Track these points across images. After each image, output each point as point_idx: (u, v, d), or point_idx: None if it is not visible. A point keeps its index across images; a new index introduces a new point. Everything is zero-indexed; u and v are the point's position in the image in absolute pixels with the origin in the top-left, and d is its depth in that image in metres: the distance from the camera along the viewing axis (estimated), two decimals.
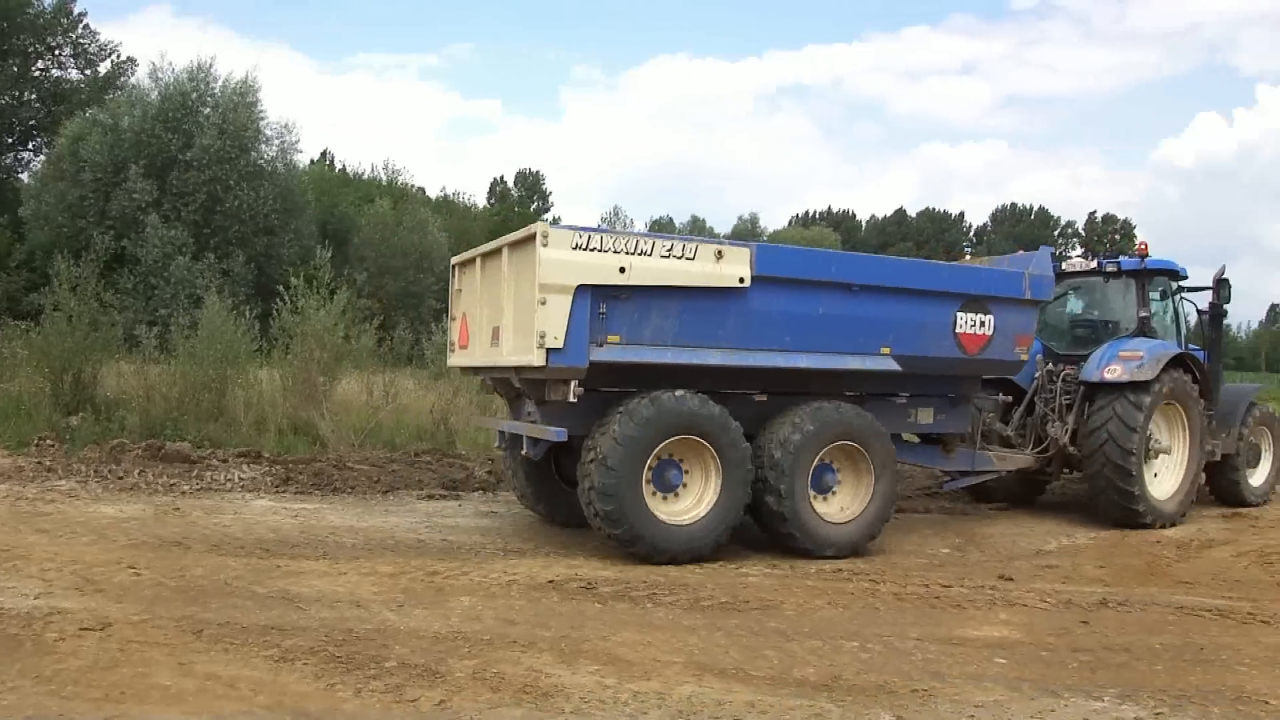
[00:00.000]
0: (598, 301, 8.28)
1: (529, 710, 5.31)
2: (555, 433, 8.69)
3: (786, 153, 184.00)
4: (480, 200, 71.68)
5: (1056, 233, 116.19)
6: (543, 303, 8.06)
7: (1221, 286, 13.18)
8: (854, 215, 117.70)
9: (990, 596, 8.28)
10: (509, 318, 8.85)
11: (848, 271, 9.49)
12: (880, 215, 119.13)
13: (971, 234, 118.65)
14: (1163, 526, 11.74)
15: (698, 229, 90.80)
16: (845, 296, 9.33)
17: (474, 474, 13.57)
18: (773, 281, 8.95)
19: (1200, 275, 13.70)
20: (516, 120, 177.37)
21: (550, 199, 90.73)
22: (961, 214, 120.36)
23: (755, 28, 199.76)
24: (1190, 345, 13.26)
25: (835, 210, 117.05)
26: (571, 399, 8.47)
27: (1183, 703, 5.95)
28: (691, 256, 8.61)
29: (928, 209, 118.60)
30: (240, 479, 12.63)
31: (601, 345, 8.34)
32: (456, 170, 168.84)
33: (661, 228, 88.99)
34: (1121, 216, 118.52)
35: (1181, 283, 13.48)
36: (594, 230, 8.39)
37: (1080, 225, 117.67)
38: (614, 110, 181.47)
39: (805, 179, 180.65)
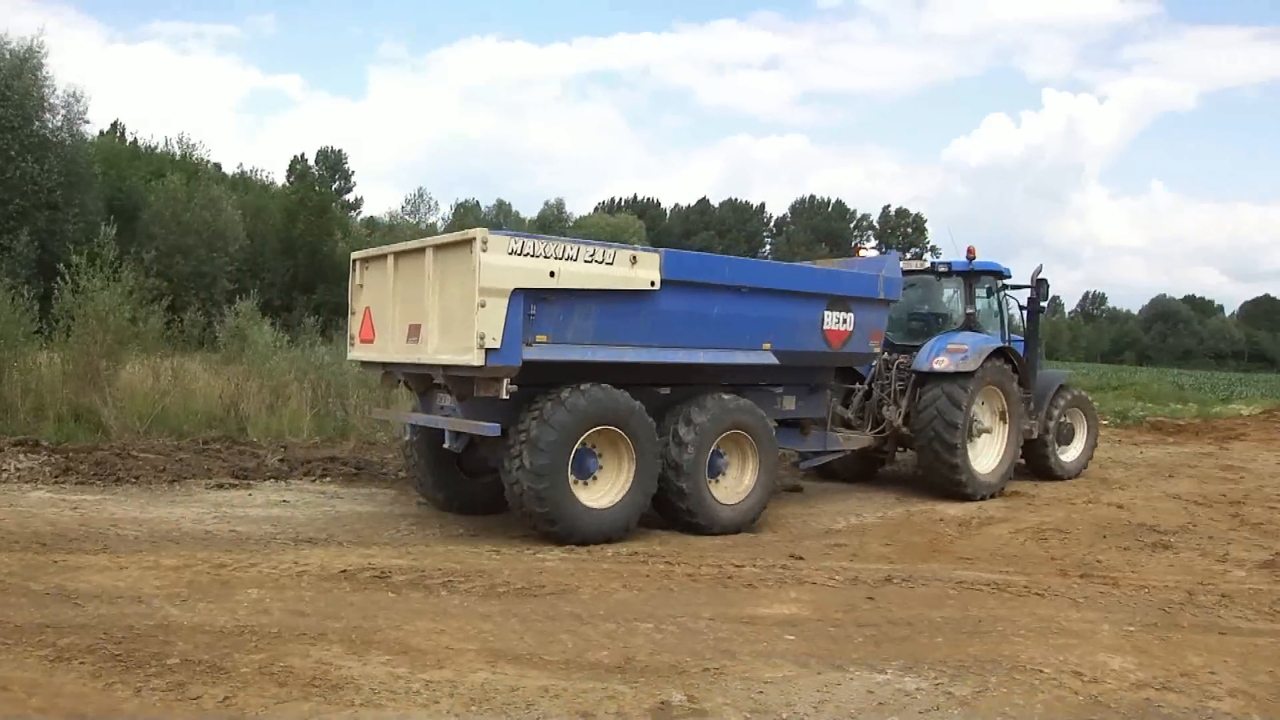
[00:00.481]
0: (529, 304, 8.72)
1: (317, 704, 5.20)
2: (488, 428, 9.01)
3: (594, 139, 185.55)
4: (279, 178, 69.55)
5: (853, 225, 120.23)
6: (483, 305, 8.43)
7: (1039, 285, 14.75)
8: (659, 204, 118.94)
9: (781, 575, 8.47)
10: (435, 317, 9.13)
11: (738, 275, 10.40)
12: (684, 204, 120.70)
13: (772, 224, 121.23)
14: (983, 498, 13.00)
15: (503, 213, 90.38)
16: (736, 298, 10.20)
17: (266, 462, 13.22)
18: (678, 285, 9.66)
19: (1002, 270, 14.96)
20: (319, 96, 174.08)
21: (353, 179, 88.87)
22: (763, 205, 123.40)
23: (565, 13, 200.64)
24: (1013, 336, 14.72)
25: (641, 198, 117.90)
26: (504, 396, 8.82)
27: (962, 673, 6.21)
28: (610, 261, 9.23)
29: (730, 199, 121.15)
30: (16, 469, 11.98)
31: (531, 345, 8.77)
32: (255, 147, 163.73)
33: (467, 211, 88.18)
34: (914, 211, 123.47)
35: (1005, 281, 14.90)
36: (527, 236, 8.89)
37: (875, 218, 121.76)
38: (420, 90, 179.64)
39: (612, 166, 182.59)
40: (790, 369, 11.03)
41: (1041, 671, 6.33)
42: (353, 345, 10.90)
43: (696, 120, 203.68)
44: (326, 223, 47.69)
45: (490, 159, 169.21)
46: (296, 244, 45.42)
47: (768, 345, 10.54)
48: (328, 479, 12.62)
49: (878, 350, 12.09)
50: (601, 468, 9.59)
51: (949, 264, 14.38)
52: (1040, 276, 14.77)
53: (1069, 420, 15.61)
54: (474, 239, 8.53)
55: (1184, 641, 7.20)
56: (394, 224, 59.16)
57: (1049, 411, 14.95)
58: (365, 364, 11.24)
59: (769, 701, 5.55)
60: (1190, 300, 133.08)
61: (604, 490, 9.56)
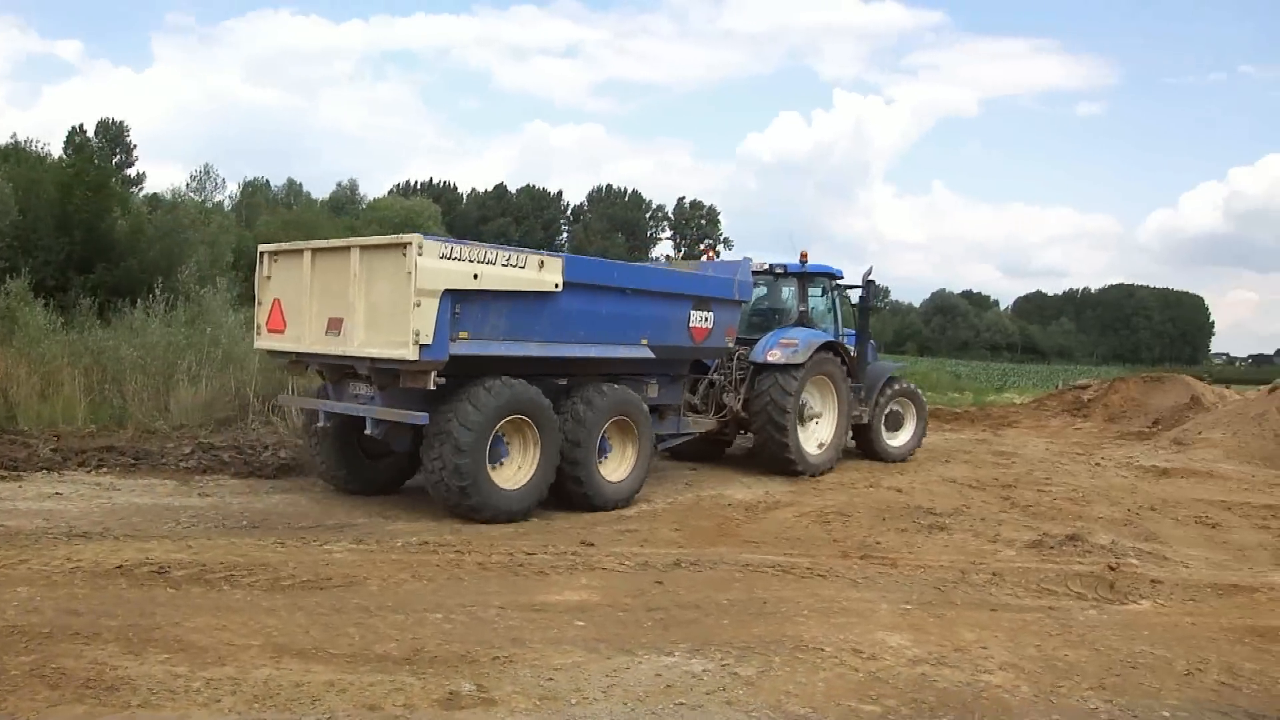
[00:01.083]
0: (454, 303, 9.47)
1: (92, 706, 5.01)
2: (419, 417, 9.75)
3: (389, 120, 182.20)
4: (56, 150, 65.89)
5: (648, 215, 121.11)
6: (418, 305, 9.15)
7: (868, 285, 16.30)
8: (455, 188, 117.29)
9: (572, 562, 8.53)
10: (360, 313, 9.74)
11: (624, 278, 11.64)
12: (481, 189, 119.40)
13: (569, 212, 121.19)
14: (813, 475, 14.39)
15: (293, 193, 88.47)
16: (621, 298, 11.35)
17: (37, 452, 12.50)
18: (576, 286, 10.62)
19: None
20: (100, 65, 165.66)
21: (134, 152, 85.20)
22: (560, 192, 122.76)
23: None
24: (846, 330, 16.34)
25: (437, 181, 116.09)
26: (432, 387, 9.60)
27: (747, 653, 6.40)
28: (522, 266, 10.11)
29: (528, 186, 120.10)
30: None
31: (455, 340, 9.53)
32: (30, 116, 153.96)
33: (256, 190, 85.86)
34: (707, 203, 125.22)
35: (839, 281, 16.49)
36: (456, 242, 9.65)
37: (670, 209, 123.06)
38: (208, 62, 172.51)
39: (408, 148, 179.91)
40: (659, 361, 12.18)
41: (823, 650, 6.57)
42: (259, 335, 11.15)
43: (494, 104, 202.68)
44: (105, 198, 45.20)
45: (281, 136, 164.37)
46: (73, 220, 43.00)
47: (645, 340, 11.73)
48: (104, 469, 12.05)
49: (731, 345, 13.49)
50: (509, 452, 10.41)
51: (785, 266, 15.63)
52: (869, 278, 16.24)
53: (899, 409, 17.00)
54: (410, 244, 9.23)
55: (957, 618, 7.56)
56: (178, 201, 56.68)
57: (877, 400, 16.39)
58: (274, 353, 11.43)
59: (558, 688, 5.60)
60: (968, 295, 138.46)
61: (513, 472, 10.40)
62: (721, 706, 5.52)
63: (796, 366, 14.21)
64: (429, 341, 9.22)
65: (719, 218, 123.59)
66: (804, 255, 15.49)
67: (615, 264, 12.74)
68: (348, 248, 9.95)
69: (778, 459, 14.30)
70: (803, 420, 14.67)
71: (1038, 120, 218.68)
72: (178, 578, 7.37)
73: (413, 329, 9.14)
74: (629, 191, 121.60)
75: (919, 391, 17.75)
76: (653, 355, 11.84)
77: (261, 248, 11.23)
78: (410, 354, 9.18)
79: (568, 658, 6.11)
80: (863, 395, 16.08)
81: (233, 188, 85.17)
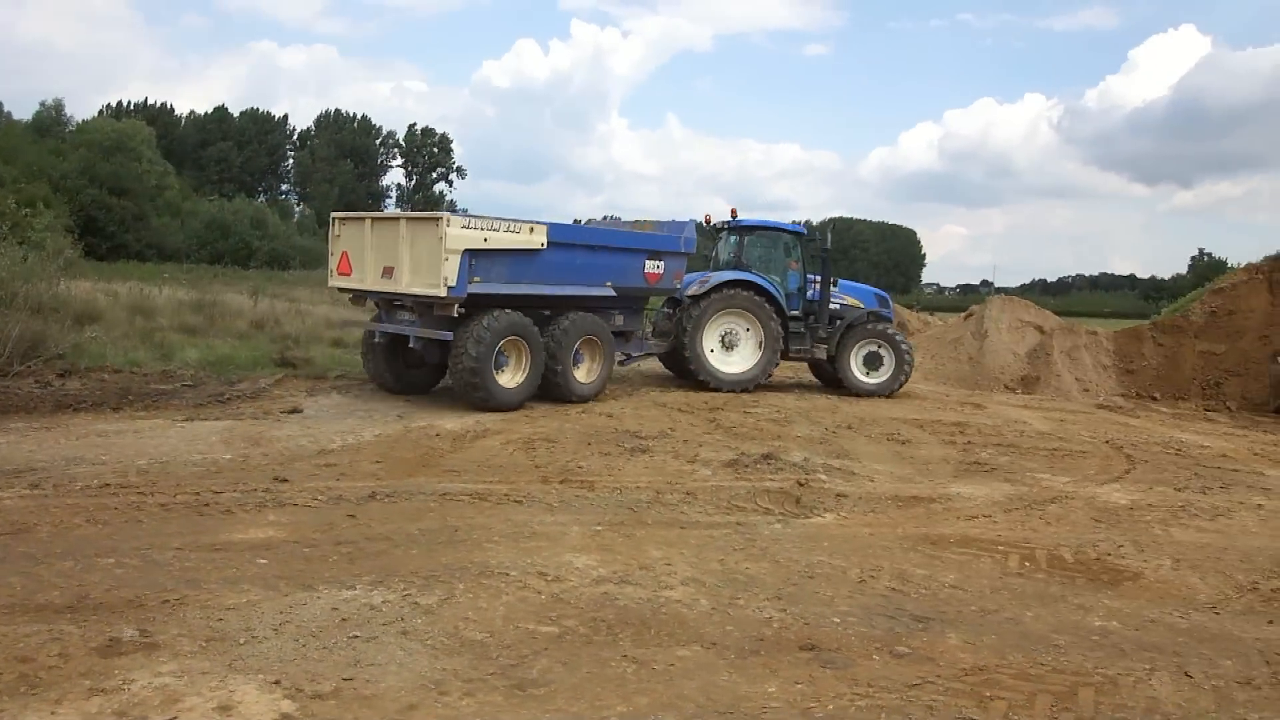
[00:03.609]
0: (470, 258, 13.23)
1: None
2: (445, 335, 13.62)
3: (104, 35, 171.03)
4: None
5: (379, 141, 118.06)
6: (446, 259, 12.96)
7: (816, 237, 19.24)
8: (173, 110, 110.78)
9: (262, 499, 8.35)
10: (406, 263, 13.65)
11: (592, 237, 15.81)
12: (201, 112, 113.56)
13: (295, 138, 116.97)
14: (721, 390, 17.14)
15: None
16: (590, 252, 15.28)
17: None
18: (556, 244, 14.46)
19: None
20: None
21: None
22: (285, 117, 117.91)
23: None
24: (809, 275, 18.77)
25: (153, 103, 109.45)
26: (455, 315, 13.49)
27: (431, 582, 6.44)
28: (518, 231, 13.94)
29: (252, 109, 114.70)
30: None
31: (472, 283, 13.29)
32: None
33: None
34: (440, 130, 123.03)
35: (785, 233, 19.00)
36: (473, 216, 13.53)
37: (401, 136, 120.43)
38: None
39: (122, 66, 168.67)
40: (622, 298, 16.08)
41: (509, 575, 6.67)
42: (333, 276, 15.10)
43: (218, 22, 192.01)
44: None
45: None
46: None
47: (609, 283, 15.56)
48: None
49: (679, 285, 17.31)
50: (509, 362, 14.17)
51: (727, 222, 19.07)
52: (819, 232, 19.58)
53: (876, 350, 18.51)
54: (442, 219, 13.20)
55: (646, 537, 7.82)
56: None
57: (842, 340, 18.30)
58: (342, 289, 15.34)
59: (227, 628, 5.49)
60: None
61: (510, 377, 14.17)
62: (397, 637, 5.52)
63: (700, 297, 17.39)
64: (454, 284, 13.04)
65: (451, 146, 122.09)
66: (733, 211, 19.09)
67: (586, 228, 17.40)
68: (398, 219, 14.13)
69: (688, 372, 17.48)
70: (726, 345, 17.65)
71: (768, 58, 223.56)
72: None
73: (443, 275, 12.97)
74: (359, 117, 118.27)
75: (898, 337, 18.77)
76: (615, 294, 15.66)
77: (334, 215, 15.40)
78: (441, 292, 13.05)
79: (243, 597, 5.99)
80: (821, 335, 18.32)
81: None
